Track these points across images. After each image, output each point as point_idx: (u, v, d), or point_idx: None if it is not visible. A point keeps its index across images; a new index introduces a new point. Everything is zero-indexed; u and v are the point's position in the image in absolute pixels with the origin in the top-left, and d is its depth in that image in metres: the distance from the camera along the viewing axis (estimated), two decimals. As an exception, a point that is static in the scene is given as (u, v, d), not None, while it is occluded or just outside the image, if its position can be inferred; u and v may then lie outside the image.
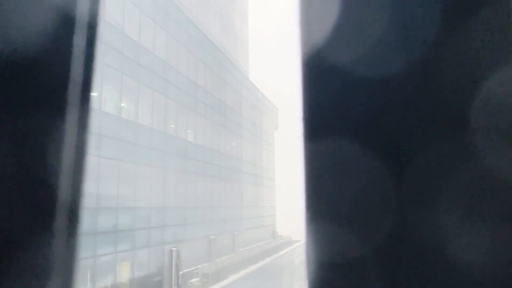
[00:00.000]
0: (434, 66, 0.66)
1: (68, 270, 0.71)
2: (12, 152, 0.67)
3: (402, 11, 0.68)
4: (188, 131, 23.21)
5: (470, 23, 0.65)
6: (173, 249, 19.79)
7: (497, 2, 0.65)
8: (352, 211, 0.66)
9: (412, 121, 0.66)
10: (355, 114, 0.68)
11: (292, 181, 45.36)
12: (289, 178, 45.11)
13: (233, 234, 28.38)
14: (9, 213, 0.66)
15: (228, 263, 25.50)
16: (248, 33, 42.42)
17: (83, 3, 0.75)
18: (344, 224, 0.66)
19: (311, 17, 0.72)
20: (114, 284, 16.04)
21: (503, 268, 0.61)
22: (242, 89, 32.68)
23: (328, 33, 0.70)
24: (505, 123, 0.63)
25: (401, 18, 0.68)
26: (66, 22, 0.73)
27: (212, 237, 24.75)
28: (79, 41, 0.74)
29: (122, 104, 17.14)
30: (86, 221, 13.78)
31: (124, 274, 16.67)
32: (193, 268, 21.83)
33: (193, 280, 21.51)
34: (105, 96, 15.70)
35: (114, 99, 16.61)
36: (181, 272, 20.23)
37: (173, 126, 21.26)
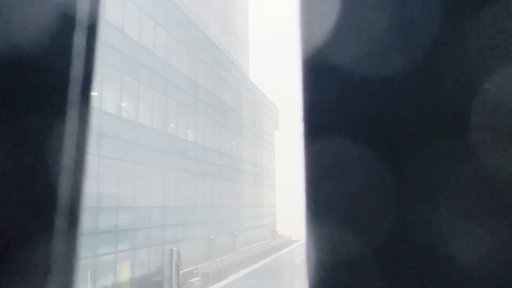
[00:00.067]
0: (434, 66, 0.66)
1: (68, 269, 0.71)
2: (12, 152, 0.67)
3: (402, 11, 0.68)
4: (189, 131, 23.21)
5: (470, 23, 0.65)
6: (174, 248, 19.80)
7: (497, 2, 0.65)
8: (352, 211, 0.66)
9: (412, 121, 0.66)
10: (355, 114, 0.68)
11: (292, 180, 45.39)
12: (289, 177, 45.13)
13: (233, 234, 28.38)
14: (9, 213, 0.66)
15: (228, 262, 25.51)
16: (248, 33, 42.43)
17: (83, 3, 0.75)
18: (344, 224, 0.66)
19: (312, 17, 0.72)
20: (115, 283, 16.05)
21: (503, 268, 0.61)
22: (242, 89, 32.68)
23: (328, 33, 0.70)
24: (505, 123, 0.63)
25: (401, 18, 0.68)
26: (66, 22, 0.73)
27: (212, 236, 24.76)
28: (79, 41, 0.74)
29: (122, 104, 17.14)
30: (86, 221, 13.79)
31: (125, 273, 16.68)
32: (193, 268, 21.84)
33: (194, 279, 21.52)
34: (106, 95, 15.70)
35: (115, 99, 16.61)
36: (181, 272, 20.24)
37: (173, 125, 21.26)
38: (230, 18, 36.47)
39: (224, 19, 34.94)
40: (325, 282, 0.66)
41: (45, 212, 0.68)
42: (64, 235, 0.69)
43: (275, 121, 42.85)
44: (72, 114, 0.72)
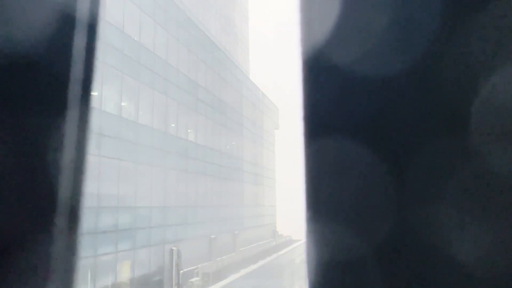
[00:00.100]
0: (434, 66, 0.66)
1: (68, 269, 0.71)
2: (12, 152, 0.67)
3: (402, 11, 0.68)
4: (189, 131, 23.21)
5: (471, 23, 0.65)
6: (174, 248, 19.80)
7: (498, 2, 0.65)
8: (352, 211, 0.66)
9: (412, 121, 0.66)
10: (355, 114, 0.68)
11: (292, 180, 45.36)
12: (289, 177, 45.13)
13: (233, 233, 28.39)
14: (9, 213, 0.66)
15: (228, 262, 25.51)
16: (248, 33, 42.44)
17: (83, 3, 0.75)
18: (344, 223, 0.66)
19: (312, 16, 0.72)
20: (115, 283, 16.06)
21: (503, 268, 0.61)
22: (242, 89, 32.68)
23: (329, 33, 0.70)
24: (506, 123, 0.63)
25: (401, 18, 0.68)
26: (66, 22, 0.73)
27: (212, 236, 24.76)
28: (79, 41, 0.74)
29: (122, 104, 17.15)
30: (86, 221, 13.80)
31: (125, 273, 16.69)
32: (193, 267, 21.84)
33: (194, 279, 21.52)
34: (106, 95, 15.71)
35: (115, 99, 16.62)
36: (181, 271, 20.25)
37: (173, 125, 21.26)
38: (230, 18, 36.47)
39: (224, 19, 34.93)
40: (325, 282, 0.66)
41: (45, 212, 0.68)
42: (64, 235, 0.69)
43: (275, 121, 42.86)
44: (72, 114, 0.72)
